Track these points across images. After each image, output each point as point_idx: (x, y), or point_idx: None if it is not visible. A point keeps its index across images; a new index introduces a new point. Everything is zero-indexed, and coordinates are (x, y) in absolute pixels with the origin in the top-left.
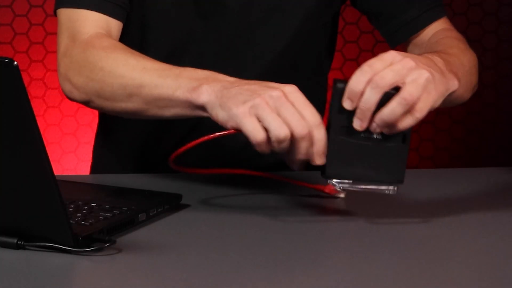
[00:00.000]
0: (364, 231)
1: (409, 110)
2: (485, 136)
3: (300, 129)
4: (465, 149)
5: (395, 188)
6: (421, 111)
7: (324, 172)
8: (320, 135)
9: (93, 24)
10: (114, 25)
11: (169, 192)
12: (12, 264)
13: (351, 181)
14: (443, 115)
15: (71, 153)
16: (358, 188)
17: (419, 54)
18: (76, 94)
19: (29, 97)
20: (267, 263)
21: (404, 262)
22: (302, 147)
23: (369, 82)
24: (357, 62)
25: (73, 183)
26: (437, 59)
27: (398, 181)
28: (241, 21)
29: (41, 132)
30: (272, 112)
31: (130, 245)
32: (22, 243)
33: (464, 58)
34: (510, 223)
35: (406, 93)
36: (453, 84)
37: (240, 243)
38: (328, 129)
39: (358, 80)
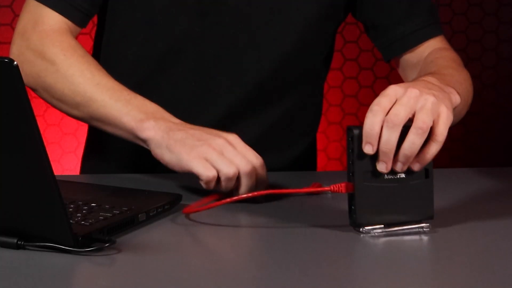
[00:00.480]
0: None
1: (429, 137)
2: (485, 136)
3: (245, 167)
4: (465, 149)
5: (429, 225)
6: (441, 134)
7: (355, 221)
8: (263, 171)
9: (56, 19)
10: (73, 30)
11: (169, 192)
12: (12, 264)
13: (382, 226)
14: None
15: (71, 153)
16: (391, 231)
17: (413, 79)
18: (24, 78)
19: (29, 97)
20: (267, 263)
21: (404, 262)
22: (247, 184)
23: (383, 122)
24: (357, 62)
25: (73, 183)
26: (431, 79)
27: (428, 217)
28: (241, 23)
29: (41, 132)
30: (220, 154)
31: (130, 245)
32: (22, 243)
33: (460, 77)
34: (510, 223)
35: (420, 122)
36: (455, 98)
37: (240, 243)
38: (352, 177)
39: (372, 122)
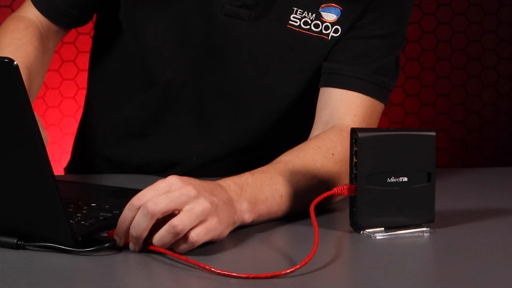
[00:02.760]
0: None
1: (184, 237)
2: (485, 136)
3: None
4: (465, 149)
5: (429, 229)
6: (193, 240)
7: (356, 223)
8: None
9: (33, 13)
10: (49, 26)
11: None
12: (12, 264)
13: (383, 229)
14: (443, 115)
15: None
16: (392, 235)
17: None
18: None
19: (29, 97)
20: (267, 263)
21: (404, 262)
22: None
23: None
24: None
25: (73, 183)
26: (233, 187)
27: (429, 221)
28: (249, 63)
29: None
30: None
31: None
32: (22, 243)
33: (317, 174)
34: (510, 223)
35: (176, 221)
36: (240, 218)
37: (240, 242)
38: (354, 179)
39: (126, 217)
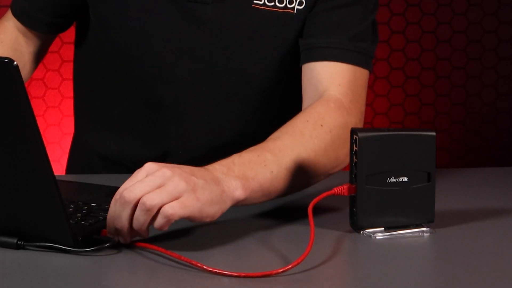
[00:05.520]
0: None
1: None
2: (485, 136)
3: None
4: (465, 149)
5: (430, 229)
6: (168, 214)
7: (355, 223)
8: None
9: (13, 20)
10: (27, 32)
11: None
12: (12, 264)
13: (383, 229)
14: (443, 115)
15: None
16: (392, 235)
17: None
18: None
19: (29, 97)
20: (267, 264)
21: (404, 262)
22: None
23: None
24: None
25: (73, 183)
26: (219, 168)
27: (429, 221)
28: (218, 47)
29: (41, 132)
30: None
31: (130, 245)
32: (22, 243)
33: (307, 146)
34: (510, 223)
35: (145, 198)
36: (230, 196)
37: (240, 243)
38: (354, 179)
39: (110, 212)
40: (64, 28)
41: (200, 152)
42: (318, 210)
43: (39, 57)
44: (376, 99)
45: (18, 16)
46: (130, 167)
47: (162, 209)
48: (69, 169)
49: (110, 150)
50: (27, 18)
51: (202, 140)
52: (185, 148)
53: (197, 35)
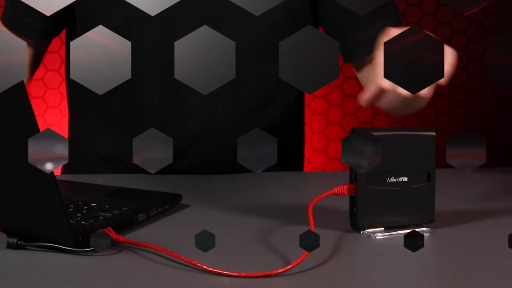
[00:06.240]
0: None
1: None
2: (485, 136)
3: None
4: None
5: (430, 229)
6: None
7: (355, 223)
8: None
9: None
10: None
11: (169, 192)
12: (12, 264)
13: (383, 229)
14: (443, 115)
15: None
16: (392, 235)
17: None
18: None
19: (29, 97)
20: (267, 264)
21: (404, 262)
22: None
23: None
24: None
25: (73, 183)
26: None
27: (429, 221)
28: (207, 18)
29: None
30: None
31: (130, 245)
32: (22, 243)
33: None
34: (510, 223)
35: None
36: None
37: (240, 243)
38: (354, 179)
39: None
40: (53, 34)
41: (196, 132)
42: (318, 210)
43: (34, 66)
44: None
45: (6, 24)
46: (128, 165)
47: None
48: (65, 169)
49: (107, 149)
50: (15, 25)
51: (198, 120)
52: (182, 128)
53: (186, 20)
